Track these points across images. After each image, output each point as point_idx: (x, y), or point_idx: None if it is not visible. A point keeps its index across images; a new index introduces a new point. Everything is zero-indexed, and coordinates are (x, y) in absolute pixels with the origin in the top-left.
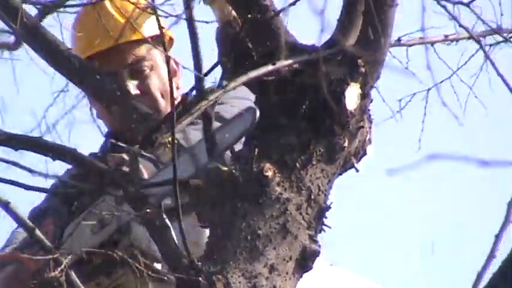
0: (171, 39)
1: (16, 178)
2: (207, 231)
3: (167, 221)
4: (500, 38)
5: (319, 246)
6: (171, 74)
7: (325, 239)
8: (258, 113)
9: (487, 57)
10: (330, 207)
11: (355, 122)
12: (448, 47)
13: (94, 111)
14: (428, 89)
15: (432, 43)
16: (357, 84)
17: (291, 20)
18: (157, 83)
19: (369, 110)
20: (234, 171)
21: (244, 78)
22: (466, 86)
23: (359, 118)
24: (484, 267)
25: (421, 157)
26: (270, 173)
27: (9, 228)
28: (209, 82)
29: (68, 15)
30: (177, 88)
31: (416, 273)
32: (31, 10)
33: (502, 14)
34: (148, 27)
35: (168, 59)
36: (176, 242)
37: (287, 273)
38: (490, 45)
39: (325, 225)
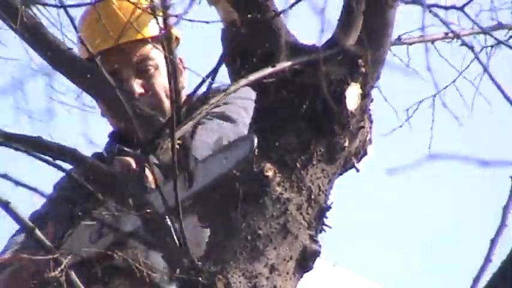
0: (177, 39)
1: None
2: (207, 231)
3: (168, 221)
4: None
5: (320, 246)
6: (177, 72)
7: (326, 239)
8: (256, 141)
9: (483, 67)
10: (330, 207)
11: (355, 122)
12: (449, 44)
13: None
14: (434, 95)
15: (432, 41)
16: (357, 84)
17: (291, 20)
18: (162, 82)
19: (369, 110)
20: (234, 171)
21: (244, 82)
22: (466, 86)
23: (359, 118)
24: (481, 271)
25: (421, 157)
26: (270, 173)
27: (9, 228)
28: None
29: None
30: (182, 87)
31: (416, 273)
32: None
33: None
34: (154, 27)
35: (171, 59)
36: (176, 242)
37: (287, 273)
38: (491, 46)
39: (326, 225)
